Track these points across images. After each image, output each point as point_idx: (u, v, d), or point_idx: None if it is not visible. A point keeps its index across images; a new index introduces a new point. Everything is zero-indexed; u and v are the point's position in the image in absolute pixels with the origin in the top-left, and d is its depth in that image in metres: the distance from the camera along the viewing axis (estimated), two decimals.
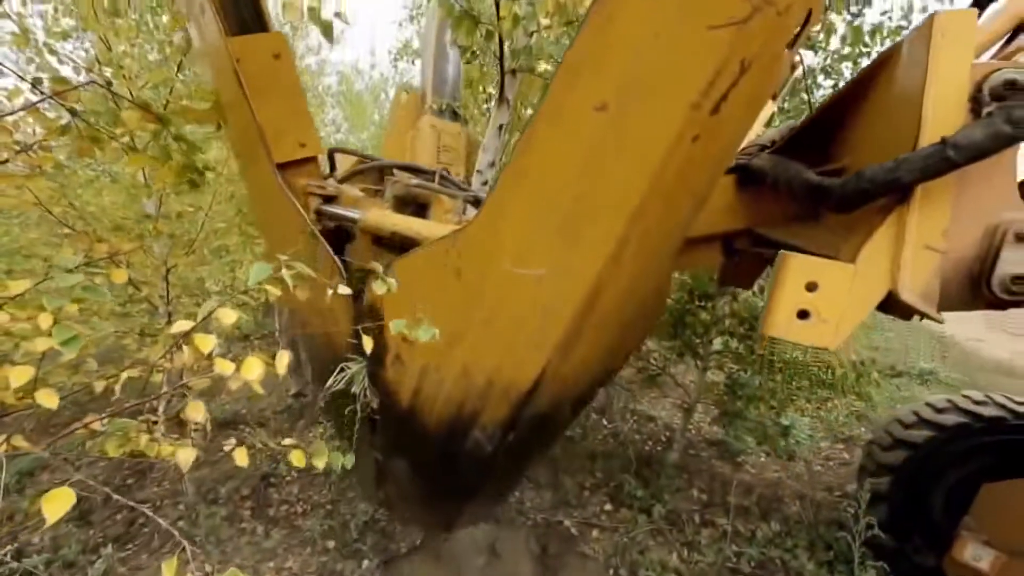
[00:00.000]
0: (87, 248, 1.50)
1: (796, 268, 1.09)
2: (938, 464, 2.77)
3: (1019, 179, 1.05)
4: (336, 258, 1.65)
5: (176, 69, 2.05)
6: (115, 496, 1.35)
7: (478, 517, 2.72)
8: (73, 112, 1.35)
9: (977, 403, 2.88)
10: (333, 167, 2.20)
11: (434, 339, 1.37)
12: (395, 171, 2.24)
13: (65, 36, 2.14)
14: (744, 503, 3.76)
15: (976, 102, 1.01)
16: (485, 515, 2.79)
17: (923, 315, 1.08)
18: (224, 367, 1.12)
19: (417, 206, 2.13)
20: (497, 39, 2.84)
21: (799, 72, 2.62)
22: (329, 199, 1.94)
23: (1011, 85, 0.97)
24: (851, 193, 1.10)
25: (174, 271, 2.55)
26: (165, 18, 2.49)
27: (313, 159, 1.94)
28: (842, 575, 2.99)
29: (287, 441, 1.38)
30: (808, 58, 4.21)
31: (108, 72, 1.97)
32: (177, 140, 1.41)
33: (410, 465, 2.00)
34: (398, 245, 1.73)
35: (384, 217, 1.85)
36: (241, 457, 1.36)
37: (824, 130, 1.50)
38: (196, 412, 1.21)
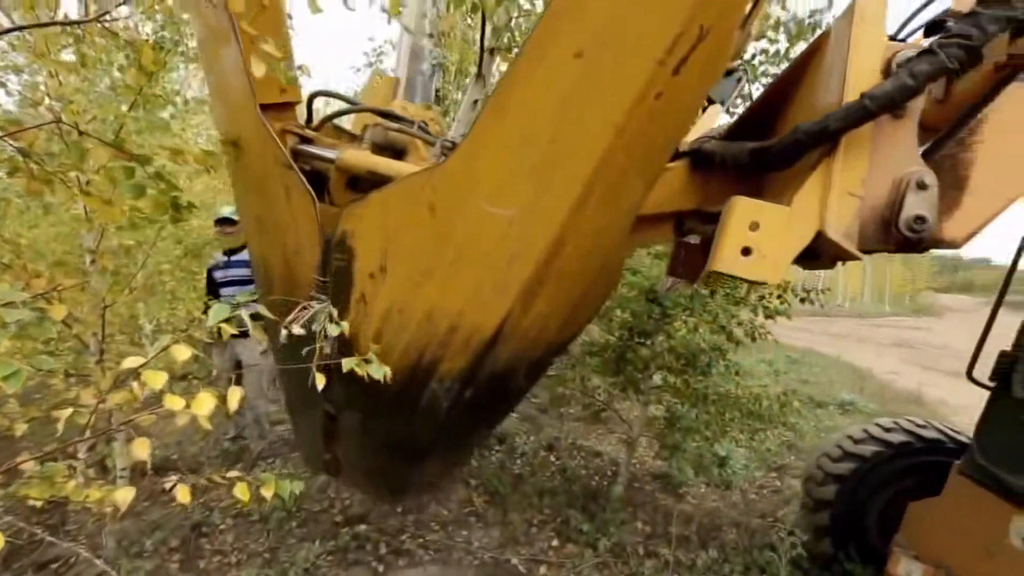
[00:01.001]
0: (24, 283, 1.48)
1: (741, 209, 1.23)
2: (866, 491, 3.04)
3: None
4: (310, 189, 1.59)
5: (129, 107, 2.07)
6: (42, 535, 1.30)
7: (426, 486, 2.61)
8: (24, 153, 1.36)
9: (887, 430, 3.18)
10: (310, 117, 2.14)
11: (402, 277, 1.36)
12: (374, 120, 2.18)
13: (17, 70, 2.11)
14: (685, 533, 3.90)
15: (887, 74, 1.25)
16: (433, 486, 2.70)
17: (845, 254, 1.26)
18: (173, 403, 1.14)
19: (394, 152, 2.06)
20: (480, 17, 2.95)
21: (743, 84, 2.81)
22: (306, 140, 1.92)
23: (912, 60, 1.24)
24: (788, 144, 1.29)
25: (112, 308, 2.47)
26: (122, 54, 2.50)
27: (292, 105, 1.93)
28: None
29: (232, 473, 1.36)
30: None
31: (58, 106, 1.97)
32: (157, 178, 1.44)
33: (363, 420, 1.90)
34: (375, 186, 1.68)
35: (362, 155, 1.81)
36: (183, 495, 1.34)
37: (767, 113, 1.69)
38: (142, 450, 1.20)
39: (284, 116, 1.90)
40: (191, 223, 4.13)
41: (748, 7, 2.07)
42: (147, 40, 2.35)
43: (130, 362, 1.13)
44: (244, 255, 4.46)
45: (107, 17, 1.60)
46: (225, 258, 4.50)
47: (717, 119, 2.68)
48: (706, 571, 3.43)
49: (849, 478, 3.07)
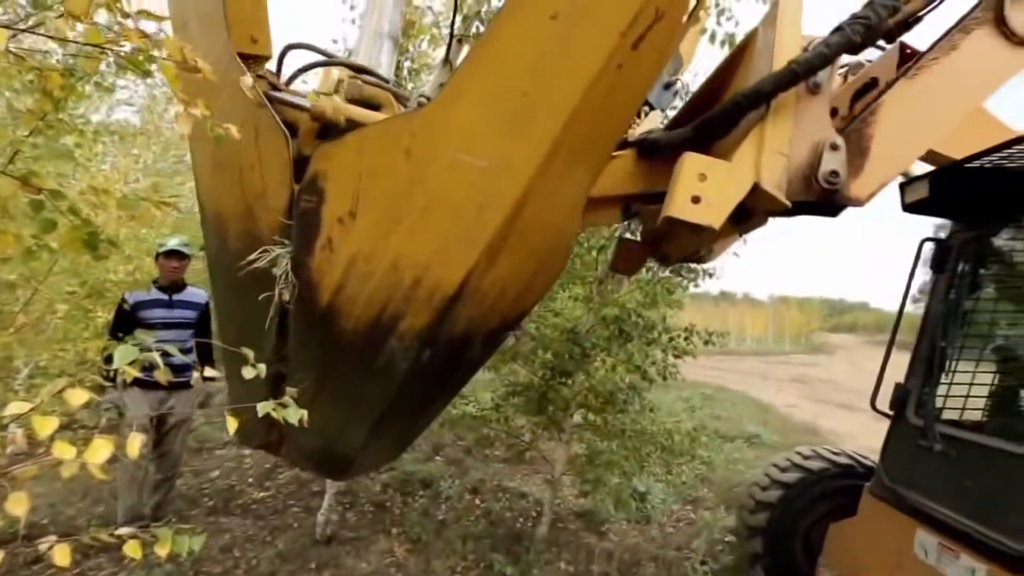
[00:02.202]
0: None
1: (691, 162, 1.42)
2: (792, 516, 3.23)
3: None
4: (284, 129, 1.53)
5: (28, 133, 1.95)
6: None
7: (373, 463, 2.41)
8: None
9: (807, 458, 3.41)
10: (280, 71, 2.06)
11: (371, 223, 1.33)
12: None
13: None
14: (607, 570, 3.97)
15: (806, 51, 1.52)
16: (378, 464, 2.48)
17: (775, 204, 1.47)
18: (63, 451, 1.06)
19: (369, 108, 2.01)
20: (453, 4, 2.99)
21: (679, 95, 3.00)
22: (278, 88, 1.85)
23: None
24: (729, 108, 1.49)
25: None
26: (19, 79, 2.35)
27: (264, 58, 1.86)
28: None
29: (123, 531, 1.25)
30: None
31: None
32: (71, 213, 1.35)
33: (316, 381, 1.79)
34: None
35: (337, 103, 1.75)
36: (62, 556, 1.20)
37: (703, 107, 1.88)
38: (18, 506, 1.10)
39: (254, 67, 1.82)
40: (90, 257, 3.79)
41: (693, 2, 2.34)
42: (57, 62, 2.25)
43: (14, 408, 1.05)
44: (191, 294, 3.98)
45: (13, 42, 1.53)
46: (164, 296, 3.88)
47: (656, 124, 2.80)
48: None
49: (778, 505, 3.26)
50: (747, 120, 1.51)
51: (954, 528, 2.19)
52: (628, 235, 3.11)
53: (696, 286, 4.51)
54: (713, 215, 1.39)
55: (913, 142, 1.61)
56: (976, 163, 2.35)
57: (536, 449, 4.64)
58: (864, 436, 9.24)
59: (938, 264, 2.78)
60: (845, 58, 1.84)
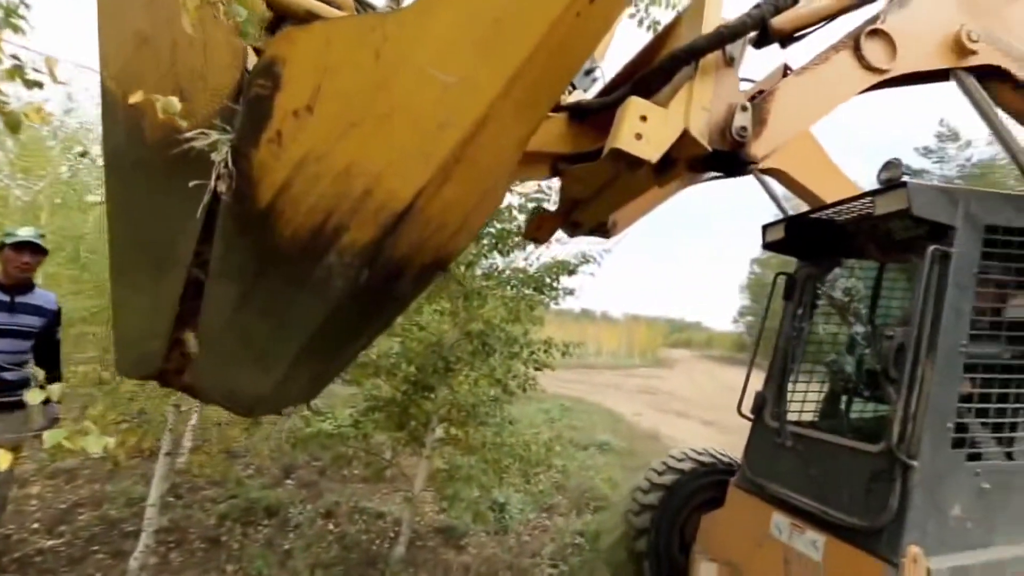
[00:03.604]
0: None
1: (635, 104, 1.61)
2: (672, 511, 3.55)
3: None
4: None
5: None
6: None
7: (287, 399, 2.19)
8: None
9: (679, 460, 3.77)
10: None
11: (329, 121, 1.27)
12: None
13: None
14: None
15: None
16: (293, 400, 2.17)
17: (699, 149, 1.71)
18: None
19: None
20: None
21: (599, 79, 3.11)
22: None
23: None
24: (666, 61, 1.74)
25: None
26: None
27: None
28: None
29: None
30: None
31: None
32: None
33: (241, 292, 1.61)
34: None
35: None
36: None
37: (630, 77, 2.11)
38: None
39: None
40: None
41: None
42: None
43: None
44: (40, 297, 3.22)
45: None
46: (4, 296, 3.12)
47: None
48: None
49: (659, 506, 3.56)
50: (677, 79, 1.77)
51: (801, 510, 2.60)
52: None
53: (557, 304, 4.82)
54: (651, 150, 1.60)
55: (797, 120, 1.98)
56: (817, 214, 2.89)
57: (396, 466, 4.52)
58: (694, 439, 10.57)
59: (787, 294, 3.29)
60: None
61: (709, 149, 1.75)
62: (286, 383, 1.93)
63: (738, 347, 52.51)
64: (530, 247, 4.27)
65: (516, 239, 4.15)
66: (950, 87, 2.27)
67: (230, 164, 1.39)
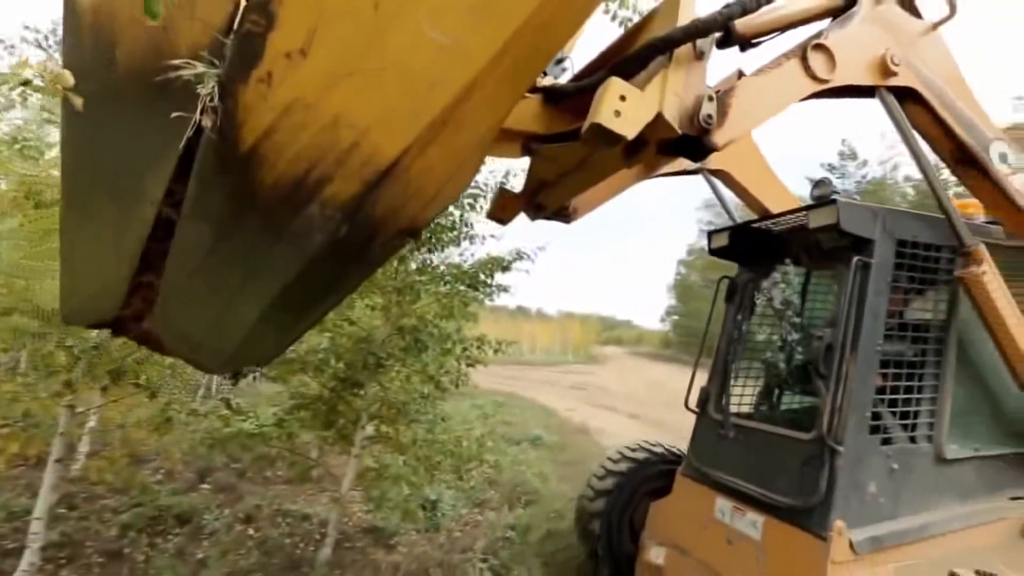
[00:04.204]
0: None
1: (616, 84, 1.69)
2: (623, 500, 3.80)
3: None
4: None
5: None
6: None
7: (253, 354, 2.10)
8: None
9: (633, 450, 4.06)
10: None
11: (322, 68, 1.27)
12: None
13: None
14: None
15: None
16: (258, 357, 2.15)
17: (669, 131, 1.83)
18: None
19: None
20: None
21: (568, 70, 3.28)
22: None
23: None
24: (644, 48, 1.88)
25: None
26: None
27: None
28: None
29: None
30: None
31: None
32: None
33: (214, 237, 1.54)
34: None
35: None
36: None
37: (604, 65, 2.22)
38: None
39: None
40: None
41: None
42: None
43: None
44: None
45: None
46: None
47: None
48: None
49: (612, 491, 3.80)
50: (652, 66, 1.89)
51: (742, 494, 2.85)
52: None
53: (492, 300, 4.84)
54: (628, 128, 1.70)
55: (753, 115, 2.15)
56: (757, 224, 3.18)
57: (323, 466, 4.36)
58: (621, 432, 11.00)
59: (728, 297, 3.54)
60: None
61: (679, 132, 1.89)
62: (252, 337, 1.88)
63: (664, 344, 55.19)
64: (465, 244, 4.26)
65: (451, 234, 4.13)
66: (861, 109, 2.58)
67: (216, 99, 1.34)
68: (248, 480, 5.77)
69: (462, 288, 4.28)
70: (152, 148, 1.46)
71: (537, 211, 2.75)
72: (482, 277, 4.30)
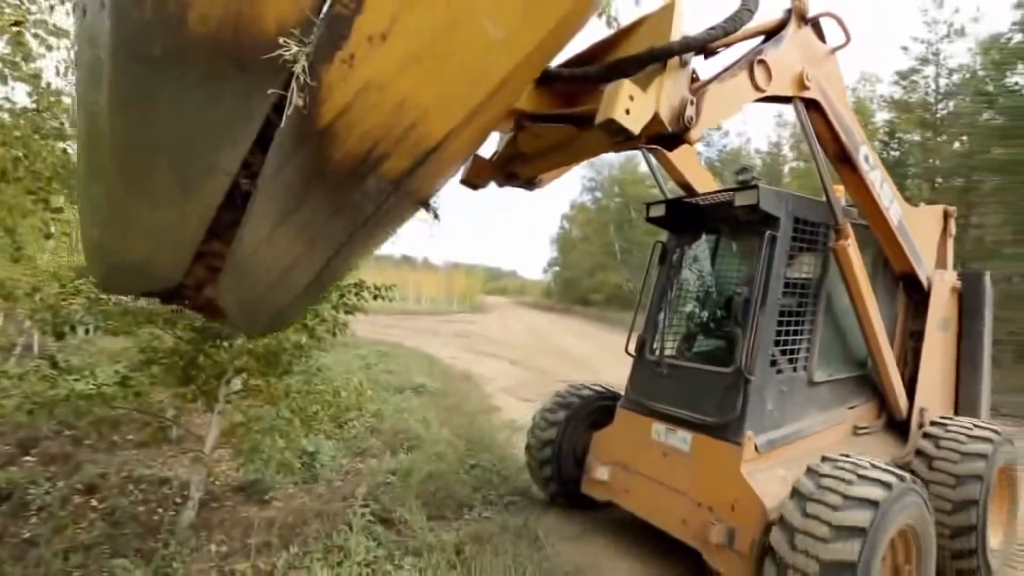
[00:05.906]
0: None
1: (627, 86, 1.95)
2: (571, 430, 4.54)
3: None
4: None
5: None
6: None
7: (292, 317, 2.40)
8: None
9: (579, 389, 4.86)
10: None
11: (399, 52, 1.40)
12: None
13: None
14: (267, 539, 3.79)
15: None
16: (293, 319, 2.46)
17: (661, 129, 2.13)
18: None
19: None
20: None
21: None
22: None
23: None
24: (643, 55, 2.09)
25: None
26: None
27: None
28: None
29: None
30: None
31: None
32: None
33: (283, 210, 1.63)
34: None
35: None
36: None
37: (590, 60, 2.48)
38: None
39: None
40: None
41: None
42: None
43: None
44: None
45: None
46: None
47: None
48: (288, 569, 3.44)
49: (562, 422, 4.54)
50: (649, 71, 2.12)
51: (674, 417, 3.64)
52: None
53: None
54: (635, 124, 1.98)
55: (718, 115, 2.46)
56: (688, 200, 3.96)
57: (181, 425, 3.99)
58: (502, 377, 11.57)
59: (661, 259, 4.36)
60: None
61: (669, 130, 2.18)
62: (296, 301, 1.99)
63: (546, 294, 58.01)
64: None
65: None
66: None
67: (308, 79, 1.39)
68: (88, 448, 5.11)
69: None
70: (227, 120, 1.48)
71: (507, 179, 3.02)
72: None
